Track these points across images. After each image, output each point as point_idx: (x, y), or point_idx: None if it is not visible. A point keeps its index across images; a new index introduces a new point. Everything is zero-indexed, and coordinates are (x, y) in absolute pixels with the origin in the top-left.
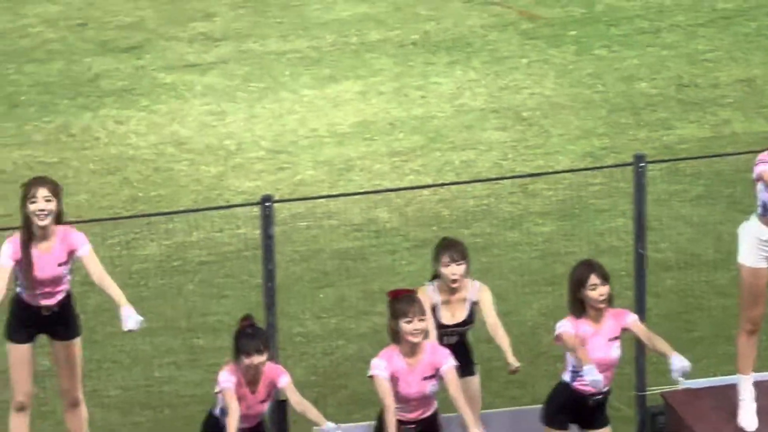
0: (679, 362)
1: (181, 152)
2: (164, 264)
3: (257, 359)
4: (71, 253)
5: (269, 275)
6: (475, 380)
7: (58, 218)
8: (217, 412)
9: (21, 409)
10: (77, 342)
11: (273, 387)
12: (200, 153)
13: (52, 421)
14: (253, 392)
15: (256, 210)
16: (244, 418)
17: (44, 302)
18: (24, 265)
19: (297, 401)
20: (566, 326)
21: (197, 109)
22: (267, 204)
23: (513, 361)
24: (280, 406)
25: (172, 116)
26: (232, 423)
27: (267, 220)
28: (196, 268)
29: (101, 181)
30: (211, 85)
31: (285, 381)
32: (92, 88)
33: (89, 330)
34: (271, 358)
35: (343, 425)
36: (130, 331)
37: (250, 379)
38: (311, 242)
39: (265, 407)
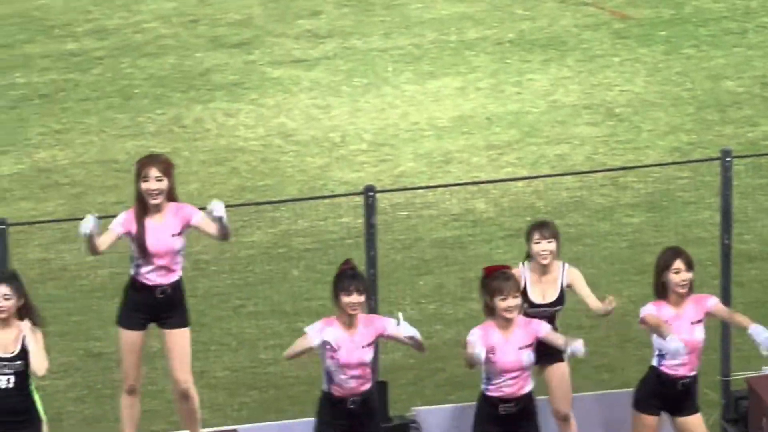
0: (760, 333)
1: (288, 144)
2: (270, 251)
3: (356, 298)
4: (185, 225)
5: (371, 262)
6: (563, 365)
7: (171, 193)
8: (325, 387)
9: (131, 391)
10: (186, 332)
11: (375, 335)
12: (306, 145)
13: (162, 400)
14: (351, 335)
15: (358, 199)
16: (345, 367)
17: (159, 281)
18: (138, 235)
19: (412, 333)
20: (649, 309)
21: (303, 103)
22: (370, 194)
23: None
24: (381, 387)
25: (279, 109)
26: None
27: (370, 209)
28: (300, 254)
29: (211, 171)
30: (316, 80)
31: (391, 325)
32: (203, 82)
33: (198, 313)
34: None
35: (439, 407)
36: (219, 216)
37: (346, 320)
38: (411, 231)
39: (367, 355)
